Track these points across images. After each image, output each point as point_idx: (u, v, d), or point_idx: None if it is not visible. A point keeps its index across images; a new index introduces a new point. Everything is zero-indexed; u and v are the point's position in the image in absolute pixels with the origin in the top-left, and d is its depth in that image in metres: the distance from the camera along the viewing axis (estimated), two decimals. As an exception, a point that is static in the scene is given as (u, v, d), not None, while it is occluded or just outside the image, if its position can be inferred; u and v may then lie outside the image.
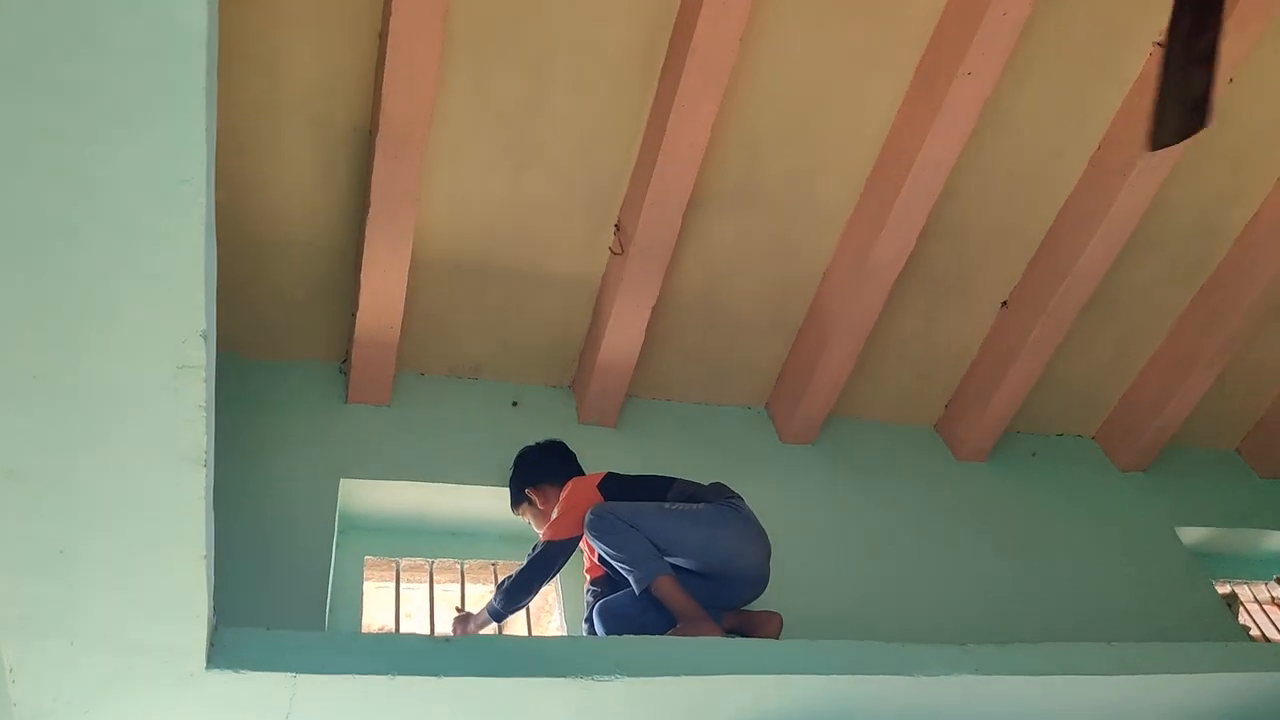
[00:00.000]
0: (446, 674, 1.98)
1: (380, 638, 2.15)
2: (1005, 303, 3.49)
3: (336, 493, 2.80)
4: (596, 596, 2.59)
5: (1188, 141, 2.06)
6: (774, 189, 3.06)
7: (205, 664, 1.82)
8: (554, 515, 2.60)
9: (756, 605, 2.65)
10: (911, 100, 2.92)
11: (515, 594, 2.54)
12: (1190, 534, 3.78)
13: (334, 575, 2.69)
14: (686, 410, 3.49)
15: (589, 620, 2.56)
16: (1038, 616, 3.20)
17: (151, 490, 1.56)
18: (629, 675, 2.11)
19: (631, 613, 2.47)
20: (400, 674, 1.95)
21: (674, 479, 2.70)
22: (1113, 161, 3.09)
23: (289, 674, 1.87)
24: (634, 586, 2.44)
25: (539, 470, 2.79)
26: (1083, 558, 3.50)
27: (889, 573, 3.19)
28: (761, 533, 2.62)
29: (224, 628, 1.90)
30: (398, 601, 2.83)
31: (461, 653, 2.05)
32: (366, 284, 2.80)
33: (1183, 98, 2.02)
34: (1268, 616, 3.72)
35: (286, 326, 3.04)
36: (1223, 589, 3.69)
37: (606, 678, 2.10)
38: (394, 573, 2.90)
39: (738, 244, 3.16)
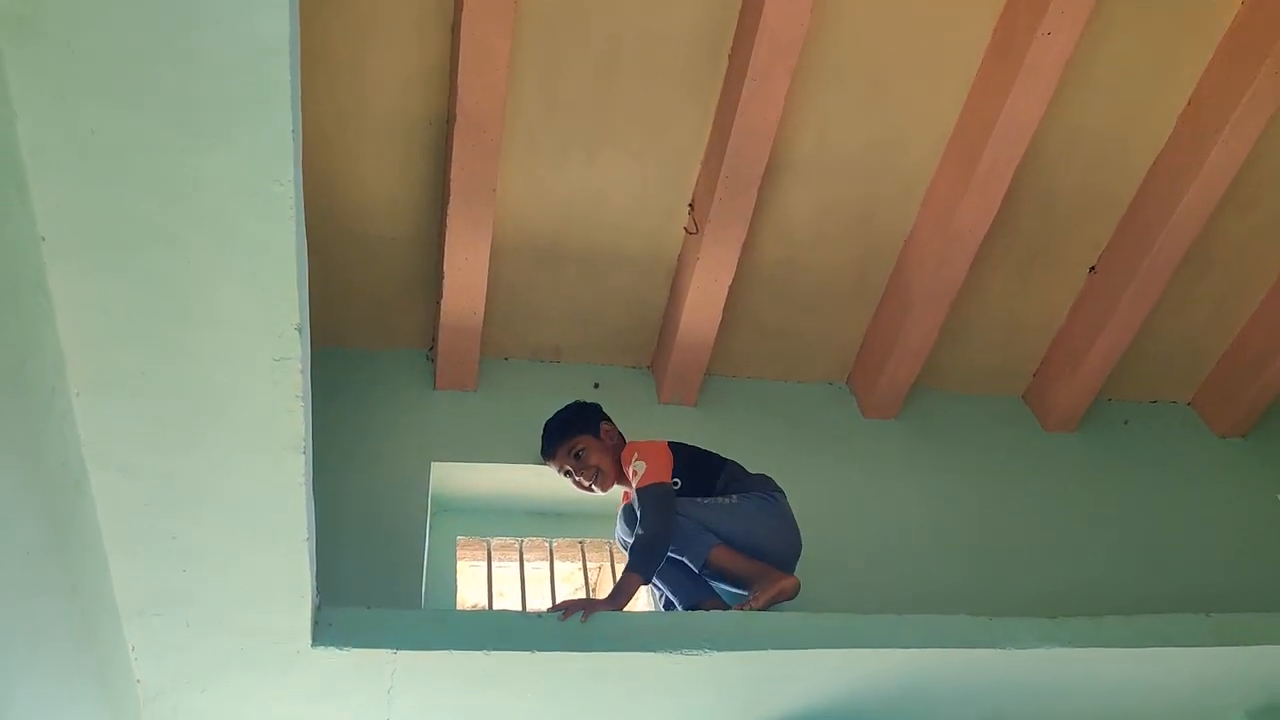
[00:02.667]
0: (539, 649, 2.05)
1: (476, 614, 2.22)
2: (1093, 268, 3.39)
3: (429, 476, 2.88)
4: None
5: None
6: (851, 158, 3.03)
7: (311, 642, 1.92)
8: (640, 466, 2.55)
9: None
10: (990, 62, 2.85)
11: (653, 550, 2.41)
12: (1297, 500, 3.64)
13: (429, 556, 2.78)
14: (766, 387, 3.49)
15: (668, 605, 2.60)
16: (1132, 589, 3.12)
17: (255, 478, 1.64)
18: (716, 649, 2.15)
19: (703, 591, 2.52)
20: (495, 649, 2.02)
21: (728, 461, 2.72)
22: (1205, 117, 2.97)
23: (390, 650, 1.97)
24: (692, 566, 2.47)
25: (600, 414, 2.83)
26: (1179, 527, 3.40)
27: (977, 546, 3.15)
28: (796, 527, 2.65)
29: (327, 607, 2.00)
30: (490, 580, 2.91)
31: (552, 628, 2.11)
32: (449, 272, 2.86)
33: None
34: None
35: (375, 317, 3.14)
36: (1332, 556, 3.55)
37: (695, 652, 2.14)
38: (485, 552, 2.98)
39: (815, 216, 3.14)
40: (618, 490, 2.79)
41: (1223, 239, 3.38)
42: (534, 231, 3.03)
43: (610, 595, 2.30)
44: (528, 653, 2.04)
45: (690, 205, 3.02)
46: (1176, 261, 3.21)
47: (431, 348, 3.18)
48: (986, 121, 2.85)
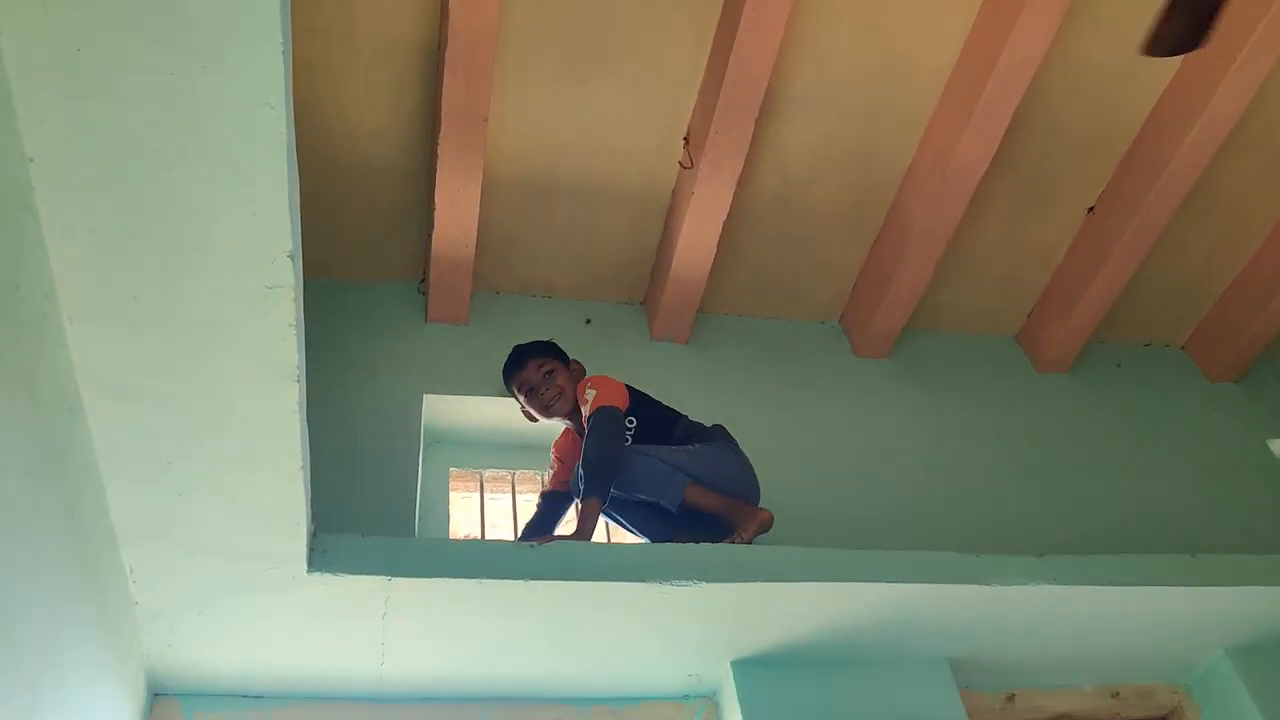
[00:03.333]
0: (531, 577, 2.07)
1: (469, 544, 2.25)
2: (1092, 208, 3.37)
3: (421, 408, 2.89)
4: (544, 510, 2.74)
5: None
6: (850, 91, 2.99)
7: (307, 568, 1.94)
8: (592, 394, 2.58)
9: None
10: (994, -5, 2.80)
11: (604, 467, 2.43)
12: (1282, 445, 3.67)
13: (422, 487, 2.80)
14: (759, 325, 3.49)
15: (536, 529, 2.67)
16: (1119, 529, 3.16)
17: (249, 406, 1.64)
18: (705, 580, 2.18)
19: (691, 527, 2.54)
20: (488, 577, 2.04)
21: (682, 415, 2.76)
22: (1211, 56, 2.93)
23: (384, 577, 1.99)
24: (670, 507, 2.49)
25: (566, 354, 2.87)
26: (1168, 471, 3.43)
27: (966, 486, 3.18)
28: (754, 475, 2.68)
29: (323, 534, 2.01)
30: (483, 511, 2.94)
31: (544, 558, 2.13)
32: (440, 204, 2.84)
33: (1191, 11, 1.95)
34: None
35: (366, 249, 3.12)
36: (1315, 500, 3.59)
37: (684, 583, 2.17)
38: (478, 484, 3.01)
39: (812, 150, 3.11)
40: None
41: (1224, 181, 3.35)
42: (527, 164, 3.00)
43: (576, 530, 2.34)
44: (520, 581, 2.06)
45: (685, 139, 2.98)
46: (1177, 203, 3.19)
47: (423, 280, 3.16)
48: (989, 55, 2.81)
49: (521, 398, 2.79)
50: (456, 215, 2.87)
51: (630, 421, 2.62)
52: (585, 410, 2.57)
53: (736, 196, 3.01)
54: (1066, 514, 3.19)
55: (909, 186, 3.19)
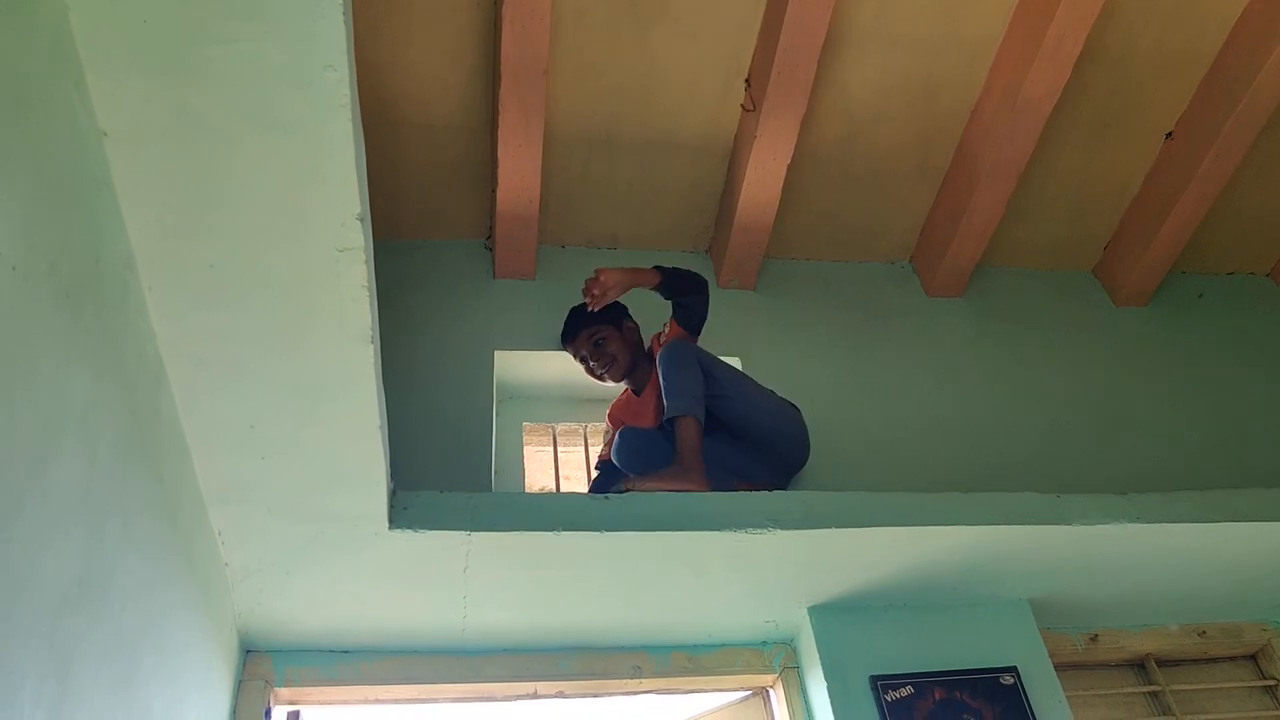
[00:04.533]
0: (607, 529, 2.09)
1: (545, 497, 2.27)
2: (1170, 134, 3.24)
3: (492, 364, 2.92)
4: (601, 476, 2.77)
5: None
6: (914, 24, 2.90)
7: (388, 525, 1.98)
8: (667, 330, 2.73)
9: None
10: (1064, -85, 2.68)
11: (686, 380, 2.52)
12: (1378, 372, 3.52)
13: (496, 442, 2.84)
14: (828, 269, 3.44)
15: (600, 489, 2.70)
16: (1206, 465, 3.08)
17: (325, 368, 1.67)
18: (780, 528, 2.18)
19: (645, 445, 2.58)
20: (564, 529, 2.07)
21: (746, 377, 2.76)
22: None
23: (464, 532, 2.03)
24: (667, 409, 2.50)
25: (626, 314, 2.90)
26: (1254, 403, 3.32)
27: (1045, 424, 3.12)
28: (806, 443, 2.72)
29: (402, 492, 2.06)
30: (556, 465, 2.97)
31: (620, 509, 2.15)
32: (503, 159, 2.83)
33: None
34: None
35: (431, 208, 3.13)
36: None
37: (759, 530, 2.17)
38: (551, 438, 3.04)
39: (876, 88, 3.03)
40: None
41: (1312, 99, 3.19)
42: (588, 116, 2.97)
43: (675, 463, 2.37)
44: (596, 533, 2.09)
45: (747, 81, 2.93)
46: (1261, 124, 3.05)
47: (489, 237, 3.17)
48: (1060, -23, 2.69)
49: (578, 364, 2.86)
50: (519, 170, 2.87)
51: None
52: (658, 345, 2.64)
53: (800, 139, 2.96)
54: (1150, 450, 3.11)
55: (978, 121, 3.09)
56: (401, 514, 2.01)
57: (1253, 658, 2.86)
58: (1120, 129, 3.22)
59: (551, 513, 2.10)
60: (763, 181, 3.01)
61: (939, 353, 3.25)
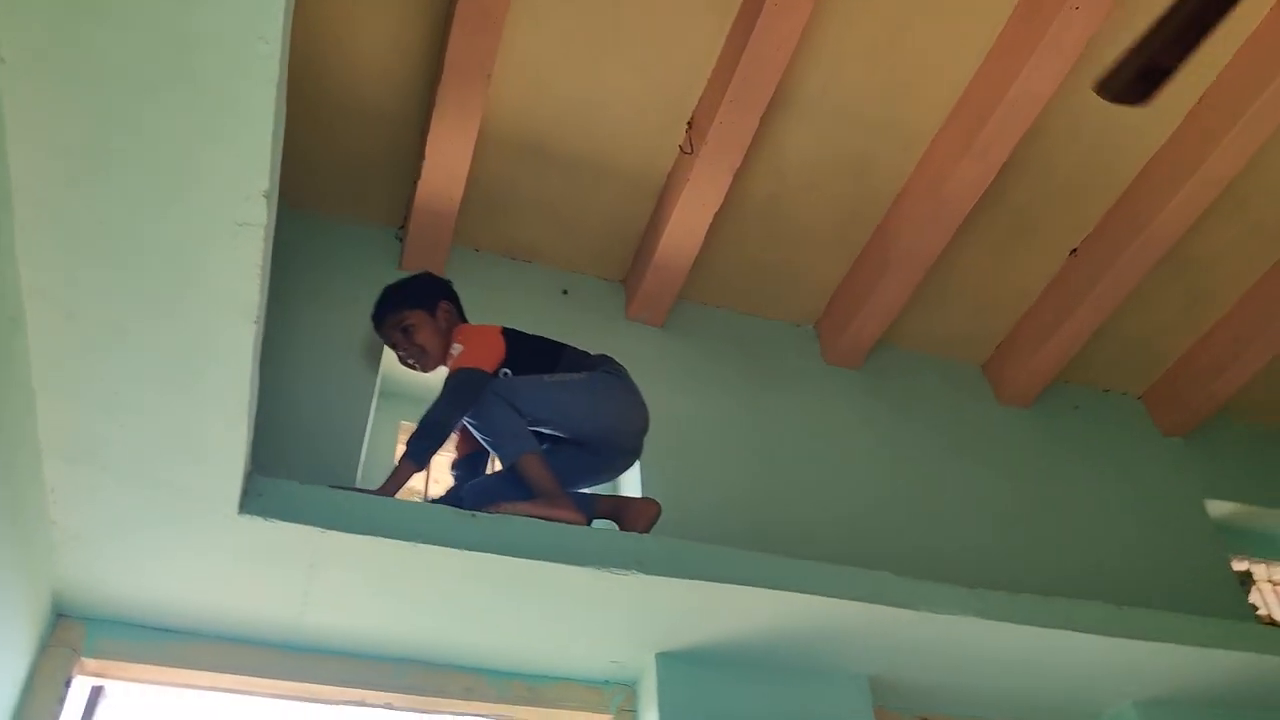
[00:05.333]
0: (469, 548, 2.04)
1: (409, 505, 2.19)
2: (1075, 250, 3.39)
3: (380, 357, 2.84)
4: (457, 480, 2.60)
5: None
6: (858, 102, 2.96)
7: (238, 509, 1.90)
8: (458, 349, 2.44)
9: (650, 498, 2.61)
10: (1013, 27, 2.78)
11: (436, 431, 2.33)
12: (1218, 507, 3.73)
13: (370, 439, 2.76)
14: (735, 320, 3.47)
15: (454, 500, 2.50)
16: (1054, 569, 3.20)
17: (202, 341, 1.59)
18: (644, 572, 2.17)
19: (497, 491, 2.43)
20: (425, 543, 2.01)
21: (565, 345, 2.61)
22: (1210, 120, 2.94)
23: (317, 529, 1.95)
24: (501, 461, 2.39)
25: (443, 293, 2.65)
26: (1107, 517, 3.48)
27: (916, 507, 3.21)
28: (643, 404, 2.58)
29: (259, 476, 1.97)
30: (429, 469, 2.89)
31: (487, 529, 2.10)
32: (431, 153, 2.77)
33: (1146, 64, 1.94)
34: (1278, 597, 3.71)
35: (350, 188, 3.04)
36: (1239, 565, 3.66)
37: (622, 571, 2.16)
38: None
39: (811, 156, 3.08)
40: None
41: (1202, 244, 3.38)
42: (525, 126, 2.94)
43: (381, 488, 2.24)
44: (457, 550, 2.04)
45: (689, 124, 2.94)
46: (1157, 258, 3.22)
47: (402, 227, 3.10)
48: (999, 87, 2.79)
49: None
50: (445, 166, 2.81)
51: (505, 374, 2.48)
52: (449, 365, 2.44)
53: (731, 189, 2.99)
54: (1006, 547, 3.22)
55: (901, 205, 3.17)
56: (254, 500, 1.92)
57: (1065, 761, 2.98)
58: (1030, 239, 3.35)
59: (414, 522, 2.04)
60: (688, 224, 3.03)
61: (827, 421, 3.31)
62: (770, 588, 2.27)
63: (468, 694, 2.36)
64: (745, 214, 3.20)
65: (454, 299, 2.67)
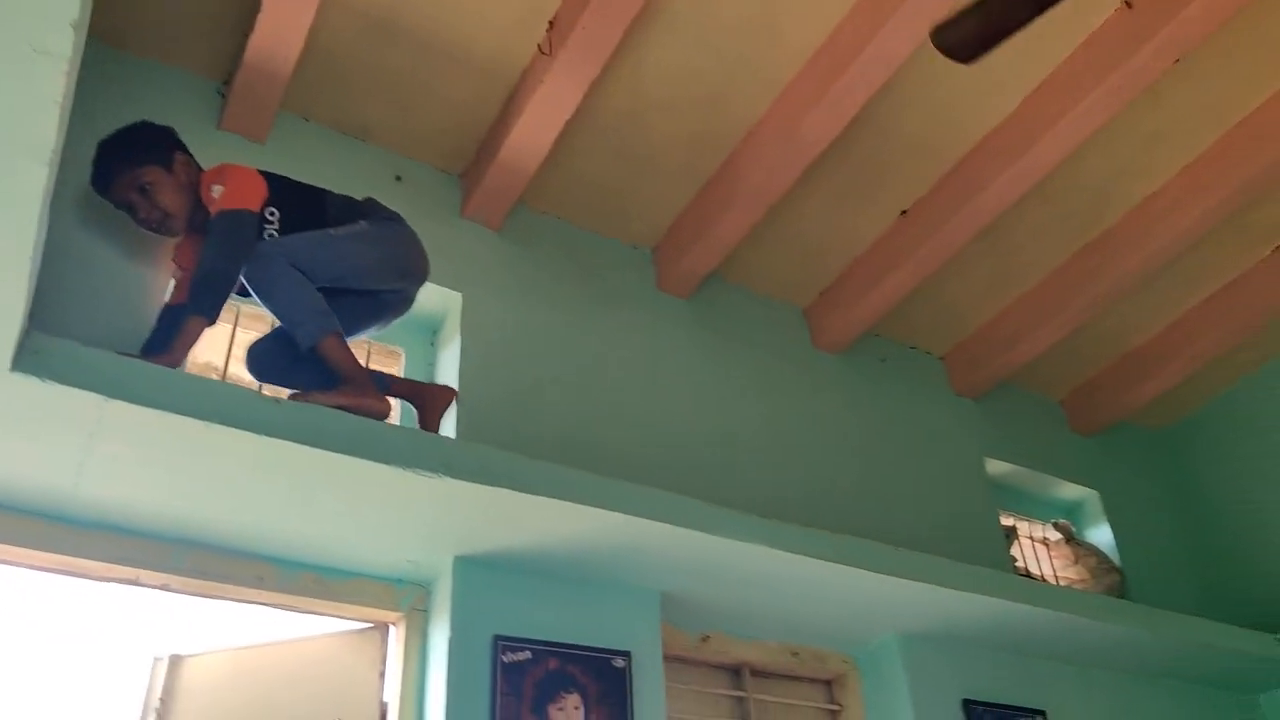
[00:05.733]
0: (269, 434, 1.95)
1: (205, 382, 2.05)
2: (905, 211, 3.52)
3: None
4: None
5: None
6: (723, 33, 2.92)
7: (10, 365, 1.73)
8: (219, 190, 2.24)
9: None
10: (884, -18, 2.81)
11: (219, 282, 2.15)
12: (995, 466, 4.05)
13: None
14: (572, 233, 3.42)
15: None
16: (844, 508, 3.39)
17: (-16, 177, 1.42)
18: (450, 475, 2.14)
19: (284, 365, 2.36)
20: (221, 423, 1.90)
21: (325, 190, 2.48)
22: (1045, 106, 3.09)
23: (98, 395, 1.80)
24: (299, 343, 2.24)
25: (175, 142, 2.38)
26: (898, 464, 3.71)
27: (723, 436, 3.31)
28: (425, 252, 2.54)
29: (38, 333, 1.80)
30: (231, 345, 2.74)
31: (291, 415, 2.01)
32: (269, 5, 2.55)
33: (981, 24, 2.02)
34: (1035, 554, 4.08)
35: (174, 30, 2.75)
36: (1006, 520, 4.00)
37: (428, 473, 2.12)
38: (234, 316, 2.79)
39: (672, 78, 3.03)
40: None
41: (1020, 222, 3.58)
42: (376, -6, 2.75)
43: (171, 351, 2.09)
44: (255, 435, 1.94)
45: (550, 24, 2.83)
46: (978, 229, 3.39)
47: (226, 83, 2.86)
48: (858, 42, 2.82)
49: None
50: (283, 22, 2.59)
51: (271, 214, 2.31)
52: (211, 208, 2.24)
53: (586, 99, 2.91)
54: (803, 483, 3.39)
55: (751, 143, 3.19)
56: (29, 357, 1.75)
57: (829, 683, 3.21)
58: (866, 193, 3.46)
59: (210, 400, 1.92)
60: (537, 127, 2.94)
61: (652, 346, 3.35)
62: (574, 502, 2.30)
63: (257, 582, 2.29)
64: (597, 126, 3.13)
65: (186, 149, 2.40)
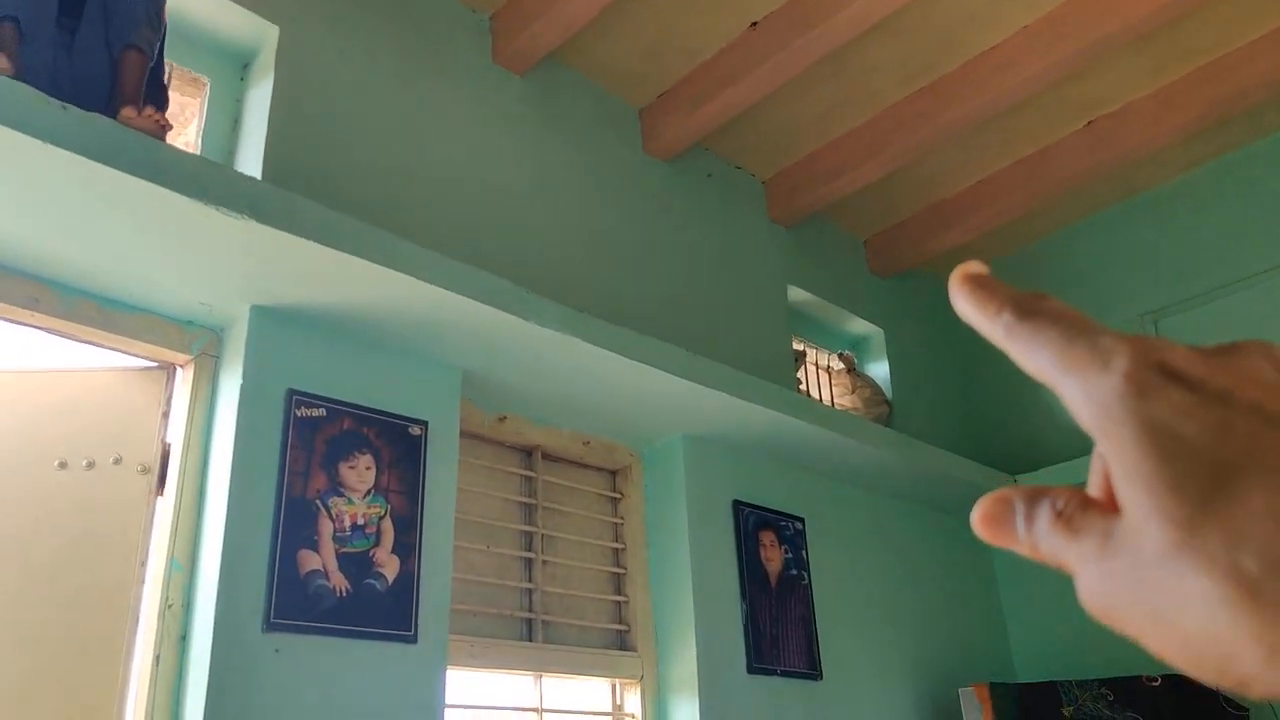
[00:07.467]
0: (57, 144, 1.77)
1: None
2: (756, 24, 3.48)
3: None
4: None
5: None
6: None
7: None
8: None
9: None
10: None
11: None
12: (796, 293, 4.25)
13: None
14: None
15: None
16: (652, 310, 3.47)
17: None
18: (257, 219, 2.04)
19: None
20: (8, 126, 1.71)
21: None
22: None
23: None
24: (109, 47, 2.10)
25: None
26: (708, 278, 3.82)
27: (545, 223, 3.28)
28: None
29: None
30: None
31: (84, 129, 1.82)
32: None
33: None
34: (818, 379, 4.38)
35: None
36: (798, 345, 4.25)
37: (234, 214, 2.01)
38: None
39: None
40: None
41: (859, 56, 3.62)
42: None
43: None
44: (39, 142, 1.75)
45: None
46: (823, 53, 3.40)
47: None
48: None
49: None
50: None
51: None
52: None
53: None
54: (617, 281, 3.43)
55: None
56: None
57: (614, 473, 3.39)
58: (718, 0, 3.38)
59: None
60: None
61: (480, 119, 3.22)
62: (384, 265, 2.24)
63: (31, 304, 2.12)
64: None
65: None
